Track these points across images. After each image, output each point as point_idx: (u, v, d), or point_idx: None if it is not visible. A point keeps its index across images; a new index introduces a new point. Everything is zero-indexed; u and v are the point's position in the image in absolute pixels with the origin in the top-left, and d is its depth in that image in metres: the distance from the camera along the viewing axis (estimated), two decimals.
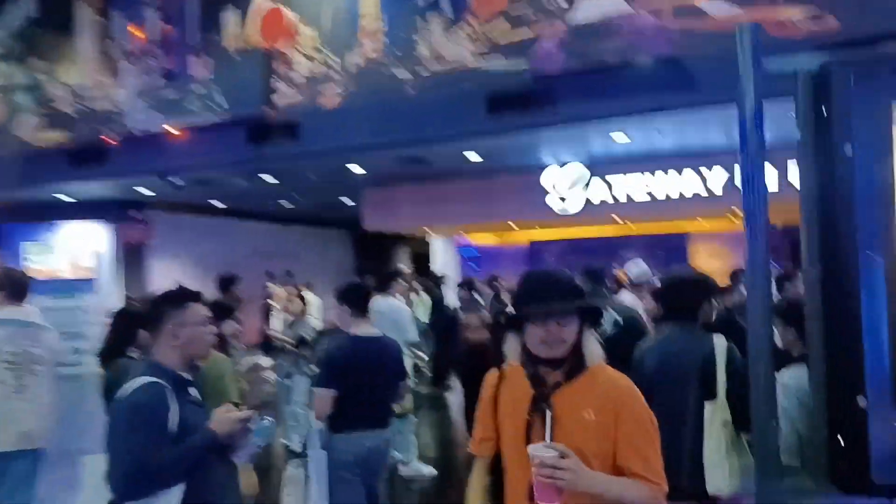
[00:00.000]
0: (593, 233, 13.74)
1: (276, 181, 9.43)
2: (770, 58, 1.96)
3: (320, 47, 7.42)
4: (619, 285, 8.91)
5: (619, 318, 3.68)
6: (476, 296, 6.11)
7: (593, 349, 1.76)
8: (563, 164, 9.12)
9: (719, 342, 2.31)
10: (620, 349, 2.46)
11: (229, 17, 7.76)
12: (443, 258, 13.91)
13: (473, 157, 8.10)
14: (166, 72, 8.12)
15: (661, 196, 8.96)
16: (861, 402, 1.72)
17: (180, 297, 2.25)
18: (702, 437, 2.21)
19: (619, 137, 7.53)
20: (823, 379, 1.88)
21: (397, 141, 6.99)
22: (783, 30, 5.77)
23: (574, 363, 1.74)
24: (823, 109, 1.91)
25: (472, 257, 14.67)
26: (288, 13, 7.45)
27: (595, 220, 10.61)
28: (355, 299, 3.09)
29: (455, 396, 8.32)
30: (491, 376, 1.91)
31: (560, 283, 1.76)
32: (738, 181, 8.39)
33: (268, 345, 5.87)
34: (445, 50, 6.84)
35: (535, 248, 14.80)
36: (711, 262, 13.25)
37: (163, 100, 8.07)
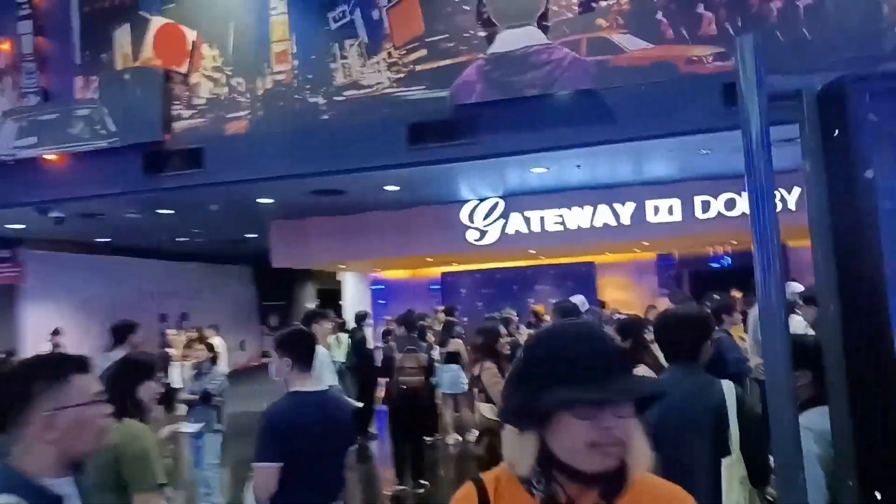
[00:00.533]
0: (504, 263, 13.78)
1: (174, 213, 8.64)
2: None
3: (224, 69, 6.87)
4: (539, 320, 8.83)
5: None
6: (415, 335, 5.68)
7: (643, 451, 1.16)
8: (481, 196, 8.99)
9: (728, 388, 2.09)
10: None
11: (121, 34, 7.03)
12: (353, 293, 13.38)
13: (392, 188, 7.77)
14: (43, 91, 7.23)
15: (572, 227, 9.01)
16: None
17: (58, 367, 1.51)
18: (719, 498, 1.96)
19: (538, 169, 7.48)
20: (851, 428, 1.69)
21: (312, 171, 6.53)
22: (693, 66, 5.99)
23: (617, 475, 1.13)
24: (832, 130, 1.76)
25: (378, 290, 14.23)
26: (188, 32, 6.85)
27: (510, 252, 10.55)
28: (301, 349, 2.60)
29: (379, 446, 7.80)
30: (465, 498, 1.21)
31: (617, 352, 1.17)
32: (649, 213, 8.67)
33: (168, 402, 5.12)
34: (362, 76, 6.53)
35: (447, 280, 14.62)
36: (617, 292, 13.64)
37: (38, 122, 7.15)
